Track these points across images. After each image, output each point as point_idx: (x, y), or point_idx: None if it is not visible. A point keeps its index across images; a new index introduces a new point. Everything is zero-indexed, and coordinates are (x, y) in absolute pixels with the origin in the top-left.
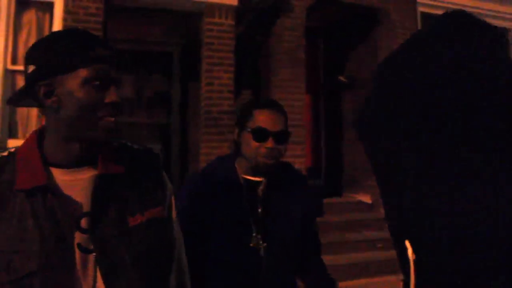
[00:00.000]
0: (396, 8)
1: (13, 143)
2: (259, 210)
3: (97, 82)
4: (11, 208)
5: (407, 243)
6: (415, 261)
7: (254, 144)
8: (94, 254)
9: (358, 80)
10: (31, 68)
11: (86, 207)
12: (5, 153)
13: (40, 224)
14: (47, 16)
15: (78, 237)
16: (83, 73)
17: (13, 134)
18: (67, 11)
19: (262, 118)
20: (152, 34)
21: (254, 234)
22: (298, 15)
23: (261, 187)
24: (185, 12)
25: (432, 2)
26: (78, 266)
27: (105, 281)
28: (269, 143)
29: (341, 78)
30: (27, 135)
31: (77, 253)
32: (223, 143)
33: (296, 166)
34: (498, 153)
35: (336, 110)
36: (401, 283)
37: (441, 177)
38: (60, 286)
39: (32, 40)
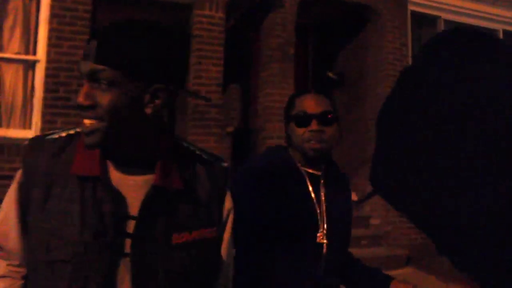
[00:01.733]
0: (387, 6)
1: None
2: (324, 204)
3: (81, 82)
4: (62, 189)
5: None
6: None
7: (298, 130)
8: (129, 258)
9: (348, 77)
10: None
11: (133, 210)
12: (72, 131)
13: (85, 213)
14: (34, 3)
15: (125, 240)
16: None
17: None
18: None
19: (303, 103)
20: None
21: (320, 229)
22: (289, 11)
23: (322, 180)
24: (175, 4)
25: (422, 2)
26: (120, 270)
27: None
28: (313, 126)
29: (330, 74)
30: (11, 124)
31: (120, 257)
32: (209, 136)
33: None
34: None
35: None
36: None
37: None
38: (89, 280)
39: (18, 28)
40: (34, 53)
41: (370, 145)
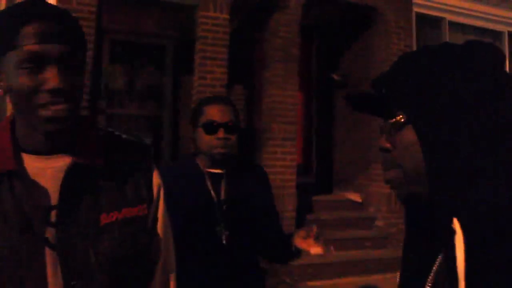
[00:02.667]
0: (392, 8)
1: None
2: (222, 199)
3: (29, 65)
4: None
5: (455, 220)
6: (464, 235)
7: (206, 137)
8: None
9: (351, 79)
10: None
11: (55, 199)
12: None
13: (5, 212)
14: None
15: (49, 231)
16: (12, 56)
17: None
18: None
19: (211, 112)
20: (146, 26)
21: (219, 222)
22: (294, 12)
23: (223, 178)
24: (180, 5)
25: (427, 3)
26: (49, 263)
27: (66, 283)
28: (220, 134)
29: (334, 76)
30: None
31: (47, 249)
32: None
33: (287, 163)
34: None
35: (328, 108)
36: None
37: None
38: (28, 282)
39: None
40: None
41: (374, 146)
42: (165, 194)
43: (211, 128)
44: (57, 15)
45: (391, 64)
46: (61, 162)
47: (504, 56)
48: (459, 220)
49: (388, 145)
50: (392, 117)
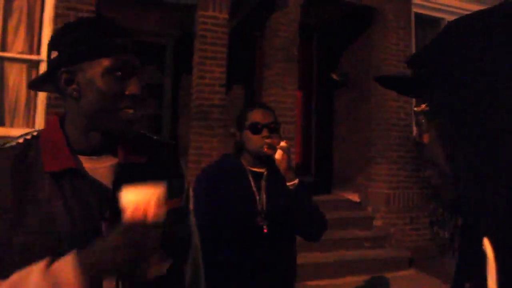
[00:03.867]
0: (391, 8)
1: (0, 131)
2: (263, 194)
3: (119, 73)
4: (39, 190)
5: (486, 241)
6: (496, 260)
7: (253, 137)
8: None
9: (351, 79)
10: (54, 53)
11: (109, 194)
12: (28, 136)
13: (69, 206)
14: (38, 3)
15: (104, 225)
16: (105, 62)
17: (0, 123)
18: None
19: (255, 116)
20: (146, 25)
21: (259, 214)
22: (293, 11)
23: (264, 176)
24: (179, 4)
25: (426, 4)
26: None
27: None
28: (264, 133)
29: (334, 75)
30: (14, 123)
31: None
32: (213, 137)
33: None
34: None
35: (327, 108)
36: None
37: None
38: None
39: (22, 27)
40: (38, 53)
41: (373, 146)
42: (210, 188)
43: (256, 128)
44: (127, 32)
45: (390, 63)
46: (109, 162)
47: None
48: (490, 240)
49: (423, 139)
50: (425, 102)
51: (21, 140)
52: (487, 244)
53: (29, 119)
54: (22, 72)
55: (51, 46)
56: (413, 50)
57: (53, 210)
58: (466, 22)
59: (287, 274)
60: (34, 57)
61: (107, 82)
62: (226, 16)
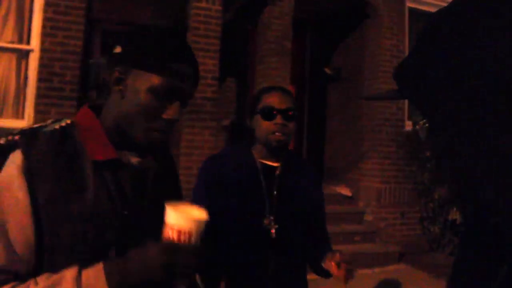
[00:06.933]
0: (385, 3)
1: None
2: (275, 192)
3: (163, 94)
4: (84, 178)
5: None
6: None
7: (264, 123)
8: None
9: (344, 73)
10: (118, 49)
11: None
12: (63, 123)
13: (113, 196)
14: None
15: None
16: (155, 80)
17: None
18: None
19: (269, 99)
20: (139, 16)
21: (267, 215)
22: (287, 5)
23: (277, 171)
24: None
25: None
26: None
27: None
28: (278, 120)
29: (327, 70)
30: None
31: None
32: (204, 129)
33: None
34: None
35: (320, 102)
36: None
37: None
38: (112, 246)
39: (12, 16)
40: (28, 42)
41: (365, 141)
42: (209, 180)
43: (269, 114)
44: (194, 61)
45: (384, 58)
46: (135, 159)
47: None
48: None
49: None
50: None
51: (57, 127)
52: None
53: (18, 110)
54: (11, 62)
55: (118, 41)
56: (407, 45)
57: (98, 199)
58: (437, 23)
59: (295, 285)
60: (23, 46)
61: (149, 99)
62: (219, 8)
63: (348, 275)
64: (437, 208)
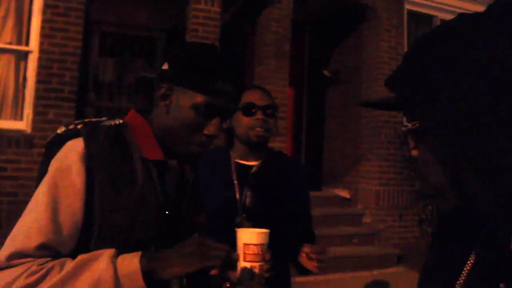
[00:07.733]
0: (383, 5)
1: None
2: (248, 192)
3: (205, 111)
4: (134, 172)
5: None
6: None
7: (245, 119)
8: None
9: (343, 75)
10: (166, 65)
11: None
12: (117, 122)
13: (158, 194)
14: None
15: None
16: (199, 98)
17: None
18: None
19: (249, 96)
20: (137, 19)
21: (239, 214)
22: (285, 7)
23: (252, 170)
24: None
25: (419, 1)
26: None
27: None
28: (258, 115)
29: (325, 72)
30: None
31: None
32: None
33: None
34: None
35: (318, 104)
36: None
37: None
38: (156, 243)
39: (11, 17)
40: (27, 44)
41: (364, 143)
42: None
43: (249, 110)
44: (233, 79)
45: (382, 61)
46: (174, 163)
47: None
48: None
49: (413, 153)
50: (411, 121)
51: (112, 123)
52: None
53: (17, 111)
54: (10, 63)
55: (167, 56)
56: (405, 47)
57: (145, 194)
58: (433, 37)
59: (276, 285)
60: (22, 47)
61: (192, 115)
62: (218, 9)
63: (320, 265)
64: (436, 210)
